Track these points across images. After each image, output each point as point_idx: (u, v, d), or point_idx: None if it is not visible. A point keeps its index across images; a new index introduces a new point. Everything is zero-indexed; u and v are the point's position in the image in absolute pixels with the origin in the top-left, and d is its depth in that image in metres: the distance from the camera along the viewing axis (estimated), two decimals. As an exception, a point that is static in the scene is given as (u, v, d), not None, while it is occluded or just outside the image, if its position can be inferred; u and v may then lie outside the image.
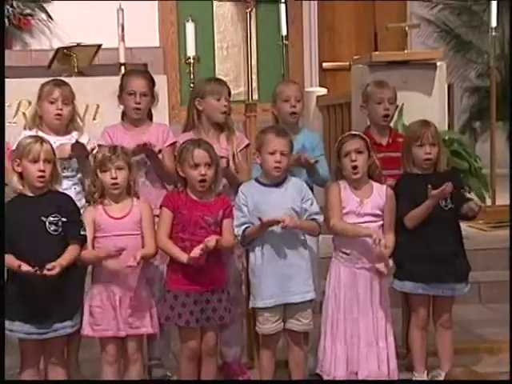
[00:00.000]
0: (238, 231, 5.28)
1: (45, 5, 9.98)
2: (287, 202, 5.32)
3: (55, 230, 5.12)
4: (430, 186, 5.29)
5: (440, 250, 5.47)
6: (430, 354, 5.67)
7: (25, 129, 5.66)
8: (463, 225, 5.74)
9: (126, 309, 5.21)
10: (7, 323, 5.14)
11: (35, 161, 5.11)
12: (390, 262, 5.51)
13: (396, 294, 5.71)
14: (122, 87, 5.78)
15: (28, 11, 9.88)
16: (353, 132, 5.65)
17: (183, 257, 5.12)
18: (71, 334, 5.28)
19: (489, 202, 7.93)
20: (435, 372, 5.63)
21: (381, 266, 5.29)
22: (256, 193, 5.36)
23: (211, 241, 5.03)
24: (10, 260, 5.01)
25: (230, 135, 5.80)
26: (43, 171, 5.11)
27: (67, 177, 5.55)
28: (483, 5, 9.91)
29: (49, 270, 4.91)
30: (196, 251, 5.02)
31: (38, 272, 4.89)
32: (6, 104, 6.37)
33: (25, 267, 4.88)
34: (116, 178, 5.18)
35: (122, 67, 8.41)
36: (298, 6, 10.31)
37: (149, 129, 5.79)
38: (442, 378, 5.49)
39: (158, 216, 5.33)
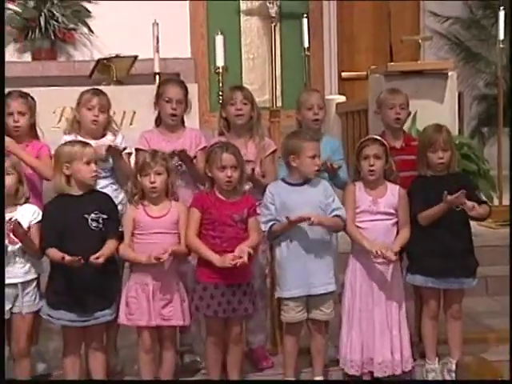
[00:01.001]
0: (265, 227, 5.30)
1: (87, 20, 10.00)
2: (312, 200, 5.35)
3: (96, 226, 5.16)
4: (446, 192, 5.26)
5: (450, 247, 5.47)
6: (441, 343, 5.66)
7: (64, 133, 5.67)
8: (472, 222, 5.70)
9: (159, 301, 5.22)
10: (52, 312, 5.19)
11: (89, 162, 5.17)
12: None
13: (409, 288, 5.70)
14: (158, 95, 5.77)
15: (72, 26, 9.91)
16: (374, 136, 5.62)
17: (216, 259, 5.13)
18: (110, 321, 5.31)
19: (496, 202, 7.90)
20: (446, 359, 5.61)
21: (390, 255, 5.28)
22: (283, 192, 5.38)
23: (244, 256, 5.07)
24: (54, 253, 5.04)
25: (259, 140, 5.80)
26: (96, 171, 5.19)
27: (104, 177, 5.55)
28: (491, 19, 9.89)
29: (95, 258, 4.97)
30: (229, 261, 5.06)
31: (82, 261, 4.91)
32: (51, 110, 6.38)
33: (68, 258, 4.90)
34: (155, 182, 5.21)
35: (157, 77, 8.43)
36: (319, 20, 10.30)
37: (183, 134, 5.78)
38: (452, 365, 5.47)
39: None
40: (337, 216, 5.33)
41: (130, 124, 6.83)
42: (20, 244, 5.11)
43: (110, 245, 5.15)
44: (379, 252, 5.24)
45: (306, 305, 5.42)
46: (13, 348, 5.32)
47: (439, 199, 5.34)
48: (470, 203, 5.29)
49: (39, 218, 5.23)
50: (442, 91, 7.32)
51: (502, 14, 8.48)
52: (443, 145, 5.49)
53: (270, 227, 5.29)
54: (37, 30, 9.76)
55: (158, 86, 5.92)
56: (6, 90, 5.75)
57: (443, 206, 5.34)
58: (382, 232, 5.42)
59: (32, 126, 5.74)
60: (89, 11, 10.02)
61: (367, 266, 5.45)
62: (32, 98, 5.74)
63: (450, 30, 10.30)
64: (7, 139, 5.42)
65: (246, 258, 5.07)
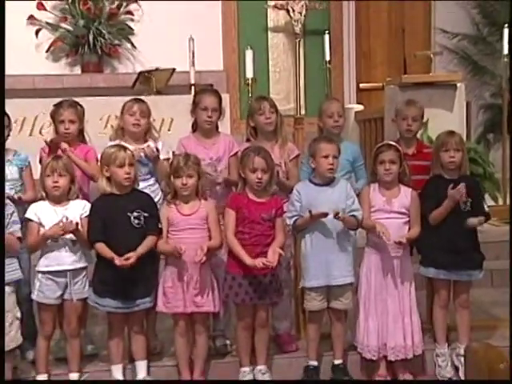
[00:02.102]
0: (290, 222, 5.31)
1: (130, 36, 10.04)
2: (335, 199, 5.35)
3: (138, 224, 5.18)
4: (451, 185, 5.31)
5: (459, 243, 5.47)
6: (451, 330, 5.65)
7: (110, 139, 5.69)
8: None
9: (193, 290, 5.23)
10: (98, 299, 5.24)
11: (121, 165, 5.19)
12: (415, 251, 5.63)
13: (421, 279, 5.71)
14: (195, 103, 5.75)
15: (116, 42, 9.95)
16: (389, 142, 5.61)
17: (248, 260, 5.14)
18: (149, 308, 5.34)
19: (501, 201, 7.87)
20: (454, 345, 5.60)
21: (401, 238, 5.31)
22: (309, 191, 5.39)
23: (273, 262, 5.13)
24: (103, 249, 5.12)
25: (283, 145, 5.79)
26: (129, 173, 5.20)
27: (145, 179, 5.58)
28: (496, 36, 9.82)
29: (126, 259, 5.00)
30: (260, 263, 5.09)
31: (117, 262, 4.98)
32: (98, 118, 6.39)
33: (117, 261, 4.98)
34: (186, 184, 5.22)
35: (192, 87, 8.44)
36: (339, 37, 10.28)
37: (217, 139, 5.76)
38: (460, 349, 5.45)
39: (222, 213, 5.36)
40: (353, 216, 5.33)
41: (168, 130, 6.86)
42: (70, 235, 5.16)
43: (147, 241, 5.18)
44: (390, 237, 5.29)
45: (327, 295, 5.41)
46: (65, 330, 5.38)
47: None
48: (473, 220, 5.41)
49: (88, 211, 5.27)
50: (452, 101, 7.28)
51: (506, 31, 8.43)
52: (455, 146, 5.49)
53: (294, 222, 5.30)
54: (86, 46, 9.80)
55: (195, 96, 5.92)
56: (59, 100, 5.81)
57: (447, 204, 5.36)
58: (394, 229, 5.39)
59: (80, 132, 5.78)
60: (132, 29, 10.05)
61: (381, 259, 5.46)
62: (81, 107, 5.78)
63: (458, 45, 10.27)
64: (64, 144, 5.46)
65: (275, 264, 5.13)
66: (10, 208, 5.08)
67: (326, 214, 5.18)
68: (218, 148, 5.70)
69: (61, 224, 5.06)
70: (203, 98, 5.74)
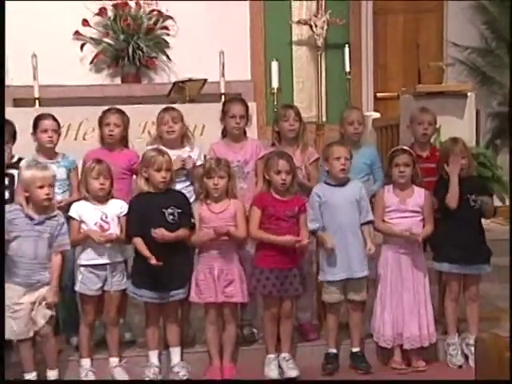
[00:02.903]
0: (311, 226, 5.35)
1: (165, 49, 10.06)
2: (349, 199, 5.39)
3: (172, 219, 5.20)
4: (444, 165, 5.47)
5: (469, 239, 5.47)
6: (461, 321, 5.63)
7: (147, 145, 5.71)
8: (488, 220, 5.80)
9: (223, 281, 5.25)
10: (136, 290, 5.27)
11: (159, 169, 5.20)
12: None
13: (433, 274, 5.68)
14: (224, 111, 5.77)
15: (153, 54, 9.95)
16: (403, 147, 5.63)
17: (279, 238, 5.18)
18: (183, 299, 5.36)
19: (508, 202, 7.81)
20: (464, 335, 5.59)
21: (416, 233, 5.34)
22: (325, 192, 5.41)
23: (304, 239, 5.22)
24: (141, 246, 5.15)
25: (304, 150, 5.79)
26: (165, 177, 5.23)
27: (181, 180, 5.59)
28: (504, 49, 9.78)
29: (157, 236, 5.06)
30: (292, 238, 5.16)
31: (152, 262, 5.05)
32: (136, 123, 6.40)
33: (153, 260, 5.05)
34: (217, 185, 5.24)
35: (222, 96, 8.44)
36: (358, 50, 10.23)
37: (245, 144, 5.78)
38: (470, 339, 5.44)
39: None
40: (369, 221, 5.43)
41: (201, 135, 6.83)
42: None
43: (180, 231, 5.20)
44: (407, 233, 5.33)
45: (344, 288, 5.42)
46: (104, 319, 5.40)
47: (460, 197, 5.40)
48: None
49: (126, 211, 5.28)
50: (462, 109, 7.23)
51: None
52: (461, 152, 5.48)
53: (315, 230, 5.37)
54: (125, 59, 9.81)
55: (224, 104, 5.93)
56: (104, 108, 5.86)
57: (452, 180, 5.40)
58: (409, 227, 5.39)
59: (124, 138, 5.82)
60: (167, 42, 10.05)
61: (396, 255, 5.46)
62: (126, 115, 5.82)
63: (468, 57, 10.20)
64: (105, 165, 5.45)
65: (305, 242, 5.20)
66: (60, 218, 5.12)
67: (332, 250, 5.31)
68: (245, 152, 5.72)
69: (102, 235, 5.13)
70: (231, 106, 5.76)
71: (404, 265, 5.45)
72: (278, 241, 5.18)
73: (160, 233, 5.07)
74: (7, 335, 4.99)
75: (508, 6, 9.54)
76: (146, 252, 5.11)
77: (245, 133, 5.85)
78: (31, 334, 5.04)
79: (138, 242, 5.17)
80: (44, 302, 4.98)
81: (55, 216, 5.09)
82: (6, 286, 4.96)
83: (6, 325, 4.95)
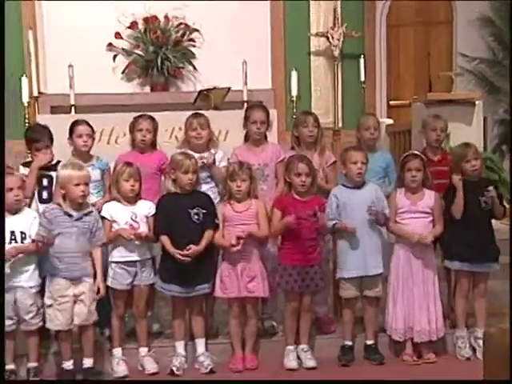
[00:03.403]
0: (329, 225, 5.32)
1: (192, 60, 10.09)
2: (366, 200, 5.36)
3: (197, 219, 5.21)
4: (454, 175, 5.46)
5: (479, 239, 5.44)
6: (469, 316, 5.59)
7: (176, 149, 5.72)
8: (496, 221, 5.73)
9: (246, 278, 5.26)
10: (164, 285, 5.29)
11: (186, 172, 5.20)
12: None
13: (442, 272, 5.66)
14: (246, 117, 5.79)
15: (180, 65, 9.97)
16: (415, 152, 5.62)
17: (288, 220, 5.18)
18: (207, 293, 5.36)
19: (512, 204, 7.80)
20: (472, 329, 5.55)
21: (425, 237, 5.33)
22: (343, 194, 5.41)
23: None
24: (166, 243, 5.18)
25: (322, 154, 5.79)
26: (191, 179, 5.25)
27: (205, 182, 5.59)
28: (509, 59, 9.71)
29: (188, 250, 5.08)
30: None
31: (179, 257, 5.07)
32: (164, 129, 6.39)
33: (178, 256, 5.08)
34: (240, 187, 5.25)
35: (245, 104, 8.43)
36: (372, 60, 10.19)
37: (266, 147, 5.79)
38: (478, 333, 5.41)
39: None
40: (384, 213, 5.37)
41: (224, 140, 6.81)
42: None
43: (206, 237, 5.22)
44: (416, 237, 5.31)
45: (360, 284, 5.41)
46: (134, 311, 5.41)
47: (470, 200, 5.40)
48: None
49: (153, 211, 5.28)
50: (471, 116, 7.20)
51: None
52: (474, 155, 5.47)
53: (333, 226, 5.33)
54: (155, 69, 9.85)
55: (246, 111, 5.94)
56: (135, 115, 5.89)
57: (459, 194, 5.37)
58: (420, 227, 5.40)
59: (153, 142, 5.84)
60: (193, 53, 10.07)
61: (408, 253, 5.43)
62: (155, 121, 5.84)
63: (476, 68, 10.17)
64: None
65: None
66: (96, 214, 5.20)
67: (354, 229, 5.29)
68: (266, 155, 5.73)
69: (132, 233, 5.17)
70: (253, 112, 5.78)
71: (415, 263, 5.42)
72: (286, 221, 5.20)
73: (191, 250, 5.11)
74: (52, 326, 5.09)
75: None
76: (172, 249, 5.13)
77: (265, 137, 5.84)
78: (72, 326, 5.11)
79: (165, 239, 5.18)
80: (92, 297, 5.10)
81: (91, 212, 5.16)
82: (52, 280, 5.05)
83: (51, 317, 5.04)
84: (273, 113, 6.34)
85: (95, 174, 5.54)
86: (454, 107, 7.06)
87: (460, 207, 5.38)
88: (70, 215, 5.07)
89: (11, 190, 5.08)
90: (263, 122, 5.73)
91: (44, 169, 5.59)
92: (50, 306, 5.06)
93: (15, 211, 5.12)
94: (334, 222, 5.33)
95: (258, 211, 5.30)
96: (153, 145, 5.84)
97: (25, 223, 5.11)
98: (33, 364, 5.18)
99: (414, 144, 6.85)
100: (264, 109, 5.90)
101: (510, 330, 3.13)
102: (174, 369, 5.26)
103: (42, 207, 5.44)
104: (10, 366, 5.14)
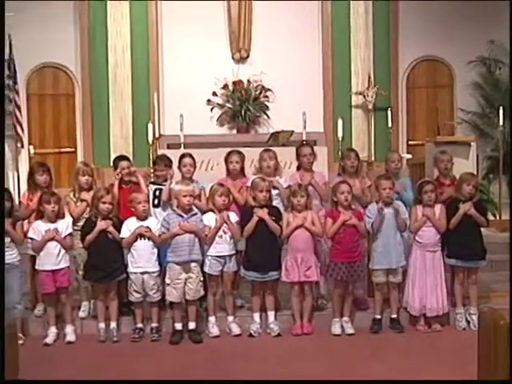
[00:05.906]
0: (369, 225, 5.27)
1: (266, 111, 10.20)
2: (392, 212, 5.31)
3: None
4: (461, 203, 5.33)
5: (471, 243, 5.36)
6: (465, 298, 5.47)
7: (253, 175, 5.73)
8: (485, 230, 5.66)
9: (303, 266, 5.21)
10: (245, 272, 5.27)
11: (261, 191, 5.24)
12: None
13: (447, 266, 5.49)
14: (298, 153, 5.80)
15: (258, 114, 10.12)
16: (428, 179, 5.59)
17: (343, 216, 5.16)
18: (277, 279, 5.31)
19: (498, 217, 7.67)
20: (467, 307, 5.44)
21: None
22: (375, 208, 5.32)
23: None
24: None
25: (361, 179, 5.74)
26: (265, 196, 5.28)
27: (275, 199, 5.51)
28: (494, 113, 9.52)
29: None
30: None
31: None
32: (246, 161, 6.36)
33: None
34: (300, 201, 5.23)
35: (304, 143, 8.42)
36: (396, 111, 10.11)
37: (313, 174, 5.72)
38: (471, 310, 5.34)
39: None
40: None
41: (289, 168, 6.79)
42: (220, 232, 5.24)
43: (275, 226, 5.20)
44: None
45: (387, 273, 5.32)
46: (223, 290, 5.38)
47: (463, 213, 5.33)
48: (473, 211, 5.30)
49: (238, 218, 5.28)
50: (467, 153, 7.05)
51: (501, 110, 8.25)
52: (474, 183, 5.40)
53: (371, 224, 5.28)
54: (240, 117, 10.01)
55: (297, 149, 5.89)
56: (226, 150, 5.85)
57: (459, 213, 5.28)
58: (433, 233, 5.34)
59: (242, 170, 5.76)
60: (267, 106, 10.17)
61: (422, 252, 5.35)
62: (243, 154, 5.77)
63: (471, 119, 10.17)
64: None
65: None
66: (199, 215, 5.23)
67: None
68: (314, 180, 5.65)
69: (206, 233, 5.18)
70: (302, 149, 5.79)
71: (427, 259, 5.32)
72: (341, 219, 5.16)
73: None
74: (170, 298, 5.13)
75: (496, 85, 9.80)
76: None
77: (311, 166, 5.79)
78: (183, 300, 5.16)
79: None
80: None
81: (196, 214, 5.20)
82: (170, 266, 5.10)
83: (168, 292, 5.09)
84: (324, 150, 6.32)
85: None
86: (455, 147, 6.93)
87: (455, 223, 5.31)
88: (182, 216, 5.13)
89: (140, 203, 5.18)
90: (311, 154, 5.72)
91: (156, 184, 5.65)
92: (168, 284, 5.12)
93: (143, 218, 5.22)
94: (370, 223, 5.28)
95: (314, 218, 5.26)
96: (242, 172, 5.79)
97: (150, 227, 5.20)
98: (155, 324, 5.24)
99: (428, 173, 6.75)
100: (309, 145, 5.94)
101: (509, 329, 3.03)
102: (252, 332, 5.25)
103: (153, 210, 5.50)
104: (139, 325, 5.22)
